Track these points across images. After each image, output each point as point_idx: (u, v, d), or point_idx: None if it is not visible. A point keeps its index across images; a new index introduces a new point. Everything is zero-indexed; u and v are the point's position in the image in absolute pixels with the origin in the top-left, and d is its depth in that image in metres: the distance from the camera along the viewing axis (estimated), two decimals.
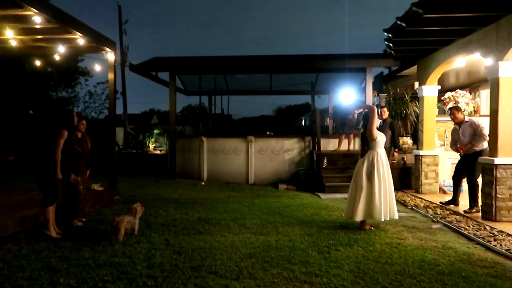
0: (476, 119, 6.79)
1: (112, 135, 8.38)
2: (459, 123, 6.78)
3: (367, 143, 5.46)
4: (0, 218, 5.02)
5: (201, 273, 3.73)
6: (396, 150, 8.66)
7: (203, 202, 7.57)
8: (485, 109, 9.98)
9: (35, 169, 5.03)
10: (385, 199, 5.32)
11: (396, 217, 5.47)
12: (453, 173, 7.08)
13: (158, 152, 17.82)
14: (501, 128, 5.81)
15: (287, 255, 4.29)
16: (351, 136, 10.48)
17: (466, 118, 6.75)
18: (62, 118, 5.13)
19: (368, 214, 5.34)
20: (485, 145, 6.48)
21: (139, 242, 4.69)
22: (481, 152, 6.46)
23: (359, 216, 5.35)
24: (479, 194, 6.34)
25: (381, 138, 5.45)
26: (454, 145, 6.87)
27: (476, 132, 6.51)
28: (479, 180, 6.41)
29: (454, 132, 6.93)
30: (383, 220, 5.31)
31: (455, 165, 7.16)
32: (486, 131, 6.39)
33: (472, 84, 11.24)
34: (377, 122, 5.56)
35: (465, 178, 6.73)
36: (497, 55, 5.87)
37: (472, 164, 6.53)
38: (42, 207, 4.98)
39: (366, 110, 5.63)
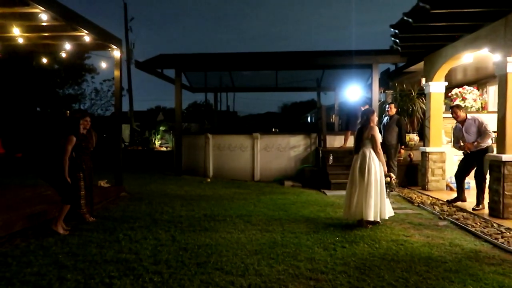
0: (478, 116, 6.71)
1: (118, 132, 8.40)
2: (461, 121, 6.70)
3: (362, 140, 5.45)
4: (9, 215, 5.09)
5: (207, 269, 3.75)
6: (403, 146, 8.62)
7: (209, 199, 7.59)
8: (492, 105, 9.88)
9: (41, 171, 5.06)
10: (376, 197, 5.26)
11: (387, 216, 5.39)
12: (455, 171, 7.03)
13: (164, 149, 17.85)
14: (509, 124, 5.76)
15: (293, 252, 4.29)
16: None
17: (469, 116, 6.67)
18: (70, 124, 5.20)
19: (364, 213, 5.27)
20: (489, 142, 6.44)
21: (145, 239, 4.72)
22: (487, 149, 6.41)
23: (357, 216, 5.34)
24: (486, 191, 6.30)
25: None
26: (457, 143, 6.78)
27: (480, 129, 6.45)
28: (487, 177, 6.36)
29: (456, 131, 6.83)
30: (378, 219, 5.28)
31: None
32: (489, 127, 6.36)
33: (479, 80, 11.13)
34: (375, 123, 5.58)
35: (472, 175, 6.67)
36: (505, 51, 5.80)
37: (480, 161, 6.49)
38: (62, 203, 4.99)
39: (367, 108, 5.62)
